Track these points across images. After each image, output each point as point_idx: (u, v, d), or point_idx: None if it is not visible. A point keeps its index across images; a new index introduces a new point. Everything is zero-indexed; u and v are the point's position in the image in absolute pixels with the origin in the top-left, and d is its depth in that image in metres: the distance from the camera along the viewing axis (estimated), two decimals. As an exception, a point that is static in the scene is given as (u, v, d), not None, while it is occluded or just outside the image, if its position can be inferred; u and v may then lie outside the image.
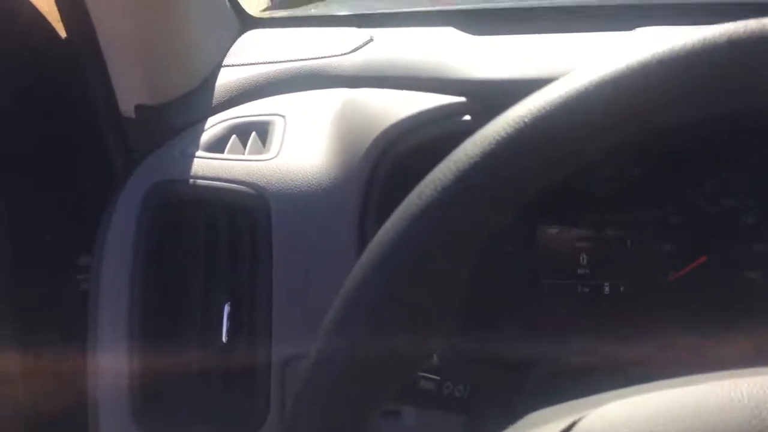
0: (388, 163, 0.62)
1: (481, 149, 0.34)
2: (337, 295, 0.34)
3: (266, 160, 0.66)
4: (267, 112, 0.73)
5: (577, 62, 0.47)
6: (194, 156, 0.67)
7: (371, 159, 0.62)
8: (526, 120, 0.33)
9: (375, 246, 0.34)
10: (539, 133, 0.33)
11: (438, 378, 0.47)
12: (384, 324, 0.35)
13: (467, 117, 0.63)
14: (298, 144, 0.68)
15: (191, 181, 0.64)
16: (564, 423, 0.32)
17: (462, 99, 0.63)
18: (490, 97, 0.62)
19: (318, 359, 0.34)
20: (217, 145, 0.69)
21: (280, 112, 0.73)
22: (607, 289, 0.69)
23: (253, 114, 0.73)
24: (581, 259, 0.68)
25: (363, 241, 0.60)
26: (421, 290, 0.33)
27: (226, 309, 0.60)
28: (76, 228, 0.85)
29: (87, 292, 0.83)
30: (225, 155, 0.68)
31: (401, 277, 0.34)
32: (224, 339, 0.60)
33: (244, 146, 0.70)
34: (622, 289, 0.69)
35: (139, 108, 0.71)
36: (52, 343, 0.79)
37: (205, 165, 0.65)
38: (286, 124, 0.71)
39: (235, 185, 0.63)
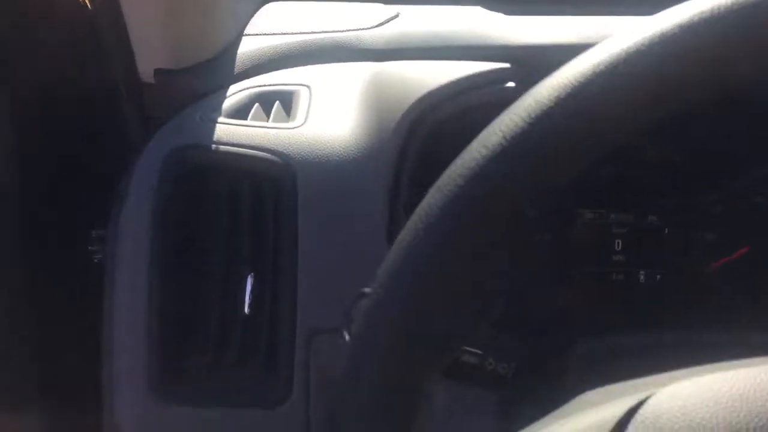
0: (423, 133, 0.59)
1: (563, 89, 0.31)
2: (392, 249, 0.32)
3: (292, 128, 0.63)
4: (290, 82, 0.70)
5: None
6: (216, 121, 0.63)
7: (404, 129, 0.59)
8: (612, 63, 0.30)
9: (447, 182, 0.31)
10: (622, 76, 0.30)
11: (480, 353, 0.44)
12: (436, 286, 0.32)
13: (511, 84, 0.60)
14: (324, 114, 0.65)
15: (213, 146, 0.61)
16: (630, 401, 0.30)
17: (505, 65, 0.60)
18: (537, 63, 0.59)
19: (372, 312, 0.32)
20: (240, 113, 0.66)
21: (304, 83, 0.70)
22: (642, 277, 0.66)
23: (275, 83, 0.70)
24: (617, 245, 0.66)
25: (394, 213, 0.57)
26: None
27: (249, 280, 0.57)
28: (91, 198, 0.82)
29: (101, 264, 0.81)
30: (248, 122, 0.65)
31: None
32: (246, 311, 0.57)
33: (268, 115, 0.67)
34: (658, 278, 0.66)
35: (158, 72, 0.69)
36: (66, 317, 0.76)
37: (227, 131, 0.62)
38: (311, 94, 0.68)
39: (260, 152, 0.60)
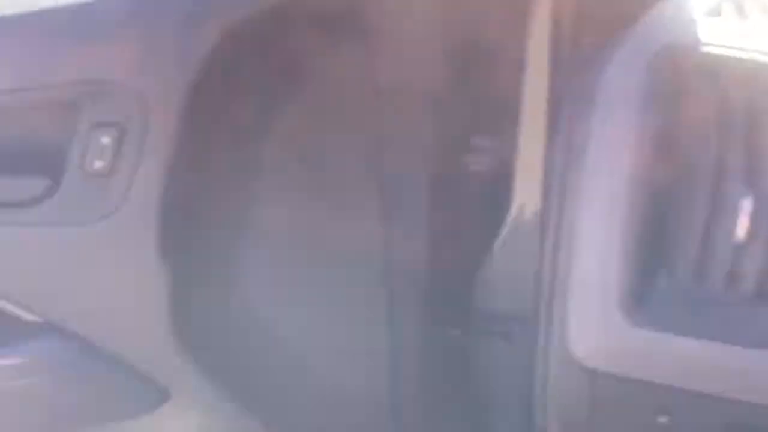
0: None
1: None
2: None
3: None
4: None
5: None
6: (697, 20, 0.56)
7: None
8: None
9: None
10: None
11: None
12: None
13: None
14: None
15: (704, 47, 0.53)
16: None
17: None
18: None
19: None
20: (711, 11, 0.58)
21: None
22: None
23: None
24: None
25: None
26: None
27: (746, 203, 0.50)
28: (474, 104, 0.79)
29: (476, 173, 0.78)
30: (732, 22, 0.56)
31: None
32: (740, 237, 0.50)
33: (741, 14, 0.58)
34: None
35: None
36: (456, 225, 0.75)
37: (715, 31, 0.55)
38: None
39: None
